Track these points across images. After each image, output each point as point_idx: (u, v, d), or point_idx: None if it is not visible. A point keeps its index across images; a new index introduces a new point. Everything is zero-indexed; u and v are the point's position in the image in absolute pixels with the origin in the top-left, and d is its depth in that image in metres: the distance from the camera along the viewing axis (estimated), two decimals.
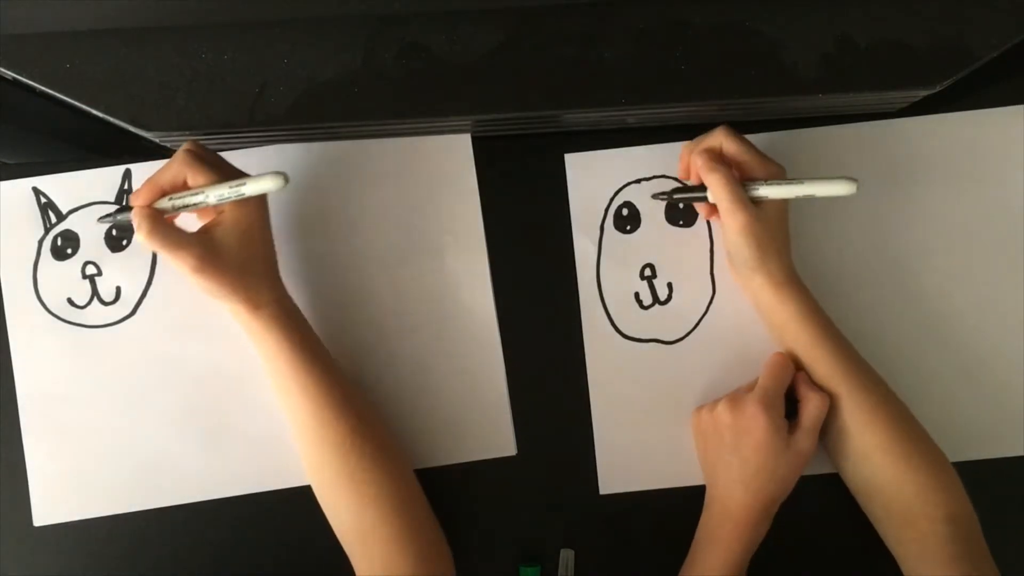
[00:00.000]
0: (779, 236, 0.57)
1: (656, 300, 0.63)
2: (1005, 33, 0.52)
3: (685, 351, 0.62)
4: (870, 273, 0.62)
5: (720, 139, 0.56)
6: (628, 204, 0.63)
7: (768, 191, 0.55)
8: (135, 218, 0.52)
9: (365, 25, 0.53)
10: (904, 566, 0.55)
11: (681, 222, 0.63)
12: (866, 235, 0.62)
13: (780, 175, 0.56)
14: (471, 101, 0.53)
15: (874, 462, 0.55)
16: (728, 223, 0.55)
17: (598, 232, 0.63)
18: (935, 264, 0.62)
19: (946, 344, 0.62)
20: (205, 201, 0.52)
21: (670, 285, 0.63)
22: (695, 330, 0.62)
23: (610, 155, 0.62)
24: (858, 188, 0.53)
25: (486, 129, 0.61)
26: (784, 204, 0.57)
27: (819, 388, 0.56)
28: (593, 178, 0.63)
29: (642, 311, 0.62)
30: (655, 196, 0.61)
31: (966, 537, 0.53)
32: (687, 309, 0.62)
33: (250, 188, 0.52)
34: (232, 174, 0.55)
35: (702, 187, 0.57)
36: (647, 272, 0.63)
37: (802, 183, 0.54)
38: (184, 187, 0.53)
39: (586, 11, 0.53)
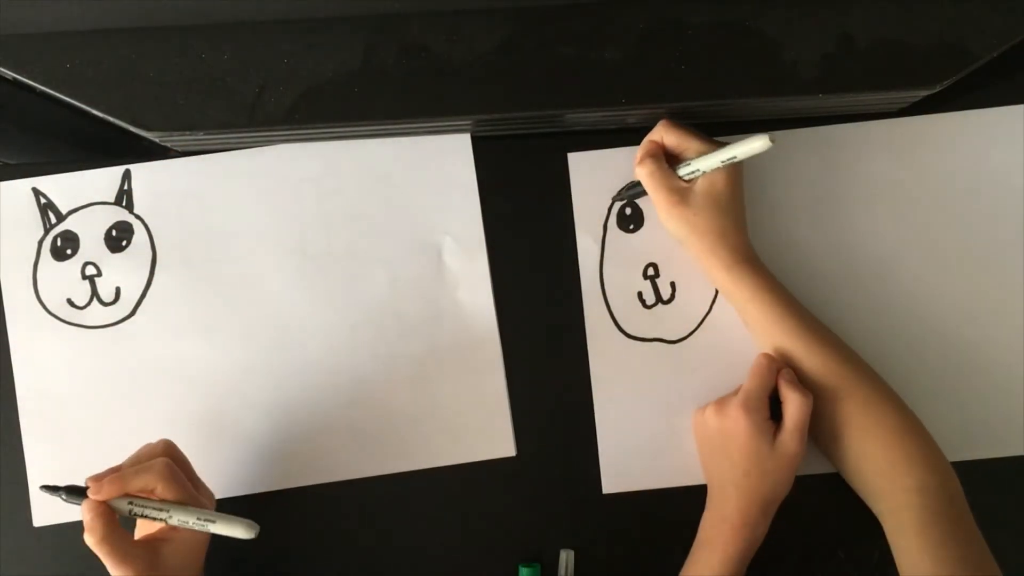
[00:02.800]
0: (722, 218, 0.57)
1: (659, 299, 0.63)
2: (1005, 33, 0.53)
3: (688, 350, 0.62)
4: (869, 272, 0.62)
5: (660, 133, 0.58)
6: (631, 203, 0.63)
7: (695, 165, 0.56)
8: (88, 513, 0.51)
9: (365, 25, 0.53)
10: (888, 540, 0.54)
11: None
12: (865, 234, 0.62)
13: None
14: (471, 101, 0.53)
15: (844, 437, 0.55)
16: (657, 208, 0.59)
17: (601, 231, 0.63)
18: (935, 264, 0.62)
19: (946, 344, 0.62)
20: (166, 519, 0.52)
21: (673, 284, 0.63)
22: (698, 329, 0.62)
23: (613, 154, 0.62)
24: (773, 142, 0.53)
25: (486, 129, 0.62)
26: (730, 186, 0.57)
27: (801, 388, 0.55)
28: (596, 177, 0.63)
29: (645, 310, 0.62)
30: (614, 198, 0.63)
31: (941, 506, 0.52)
32: (690, 308, 0.62)
33: (217, 527, 0.52)
34: (196, 501, 0.54)
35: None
36: (650, 271, 0.63)
37: (722, 148, 0.55)
38: (149, 495, 0.53)
39: (586, 11, 0.53)
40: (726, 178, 0.57)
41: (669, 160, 0.59)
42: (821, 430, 0.57)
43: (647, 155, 0.58)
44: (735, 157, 0.55)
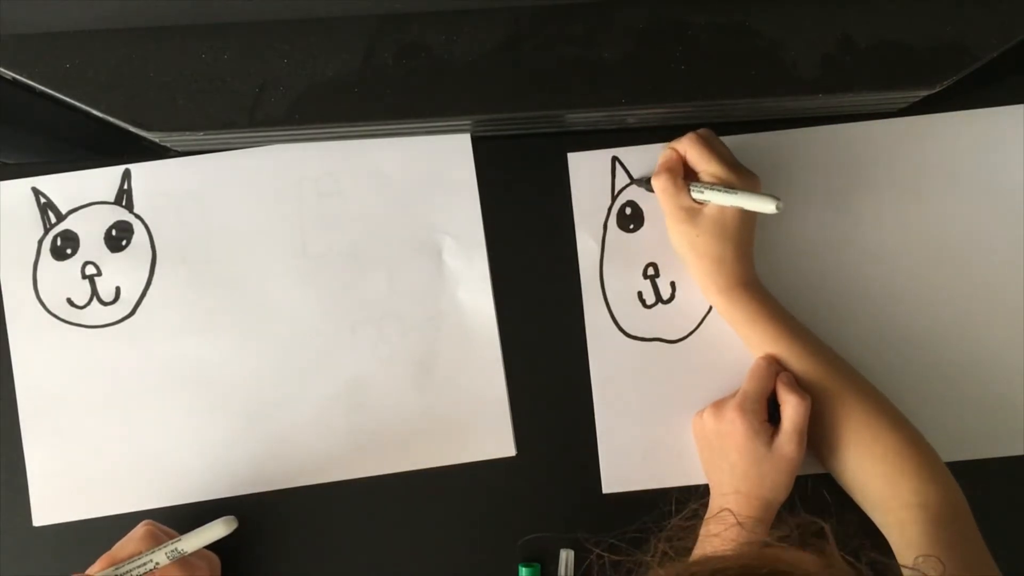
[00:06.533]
0: (724, 244, 0.57)
1: (659, 299, 0.63)
2: (1005, 33, 0.52)
3: (688, 350, 0.62)
4: (869, 271, 0.62)
5: (685, 146, 0.58)
6: (631, 203, 0.63)
7: (707, 195, 0.56)
8: None
9: (365, 25, 0.53)
10: (894, 552, 0.54)
11: None
12: (867, 234, 0.62)
13: (735, 183, 0.56)
14: (471, 101, 0.53)
15: (844, 454, 0.56)
16: (666, 220, 0.59)
17: (601, 231, 0.63)
18: (935, 264, 0.62)
19: (946, 344, 0.62)
20: (151, 567, 0.54)
21: (673, 284, 0.63)
22: (698, 329, 0.62)
23: (613, 154, 0.62)
24: (780, 208, 0.54)
25: (486, 129, 0.62)
26: (739, 216, 0.57)
27: (799, 391, 0.55)
28: (596, 177, 0.63)
29: (645, 310, 0.62)
30: (632, 180, 0.63)
31: (944, 520, 0.52)
32: (690, 308, 0.62)
33: (194, 542, 0.55)
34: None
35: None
36: (650, 271, 0.63)
37: (734, 193, 0.55)
38: None
39: (586, 11, 0.53)
40: (737, 208, 0.57)
41: (688, 173, 0.58)
42: (822, 446, 0.57)
43: (665, 169, 0.58)
44: (742, 207, 0.55)
